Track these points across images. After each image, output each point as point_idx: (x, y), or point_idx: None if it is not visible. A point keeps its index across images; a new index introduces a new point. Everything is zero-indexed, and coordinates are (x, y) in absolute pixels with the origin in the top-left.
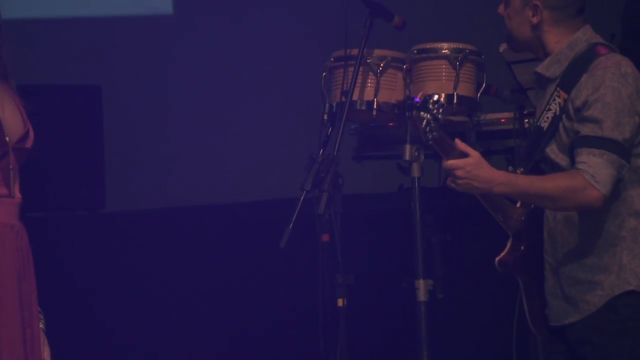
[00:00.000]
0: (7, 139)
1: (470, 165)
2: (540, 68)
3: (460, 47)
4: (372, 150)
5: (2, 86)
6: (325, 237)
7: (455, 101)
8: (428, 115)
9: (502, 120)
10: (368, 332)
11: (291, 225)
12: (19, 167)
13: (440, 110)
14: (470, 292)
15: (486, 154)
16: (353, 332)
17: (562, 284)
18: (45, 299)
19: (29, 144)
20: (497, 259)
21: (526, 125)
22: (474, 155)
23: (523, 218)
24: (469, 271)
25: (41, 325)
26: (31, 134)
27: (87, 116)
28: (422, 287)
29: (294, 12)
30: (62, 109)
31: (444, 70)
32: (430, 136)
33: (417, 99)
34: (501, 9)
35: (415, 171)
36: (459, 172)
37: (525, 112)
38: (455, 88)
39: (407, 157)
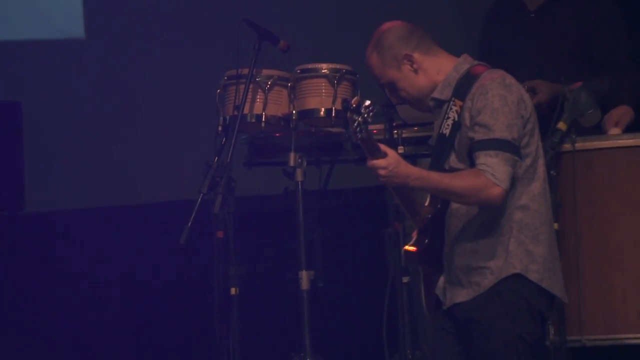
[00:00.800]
0: None
1: (391, 164)
2: (436, 93)
3: (338, 67)
4: (261, 158)
5: None
6: (220, 234)
7: (333, 115)
8: (359, 118)
9: (375, 131)
10: (258, 318)
11: (189, 223)
12: None
13: (371, 115)
14: (346, 281)
15: (362, 161)
16: (244, 318)
17: (458, 272)
18: None
19: None
20: (403, 249)
21: (395, 136)
22: (393, 155)
23: (429, 216)
24: (345, 263)
25: None
26: None
27: (9, 128)
28: (304, 277)
29: (191, 36)
30: None
31: (323, 87)
32: (360, 136)
33: (352, 103)
34: (389, 94)
35: (299, 176)
36: (381, 171)
37: (394, 124)
38: (333, 103)
39: (291, 163)
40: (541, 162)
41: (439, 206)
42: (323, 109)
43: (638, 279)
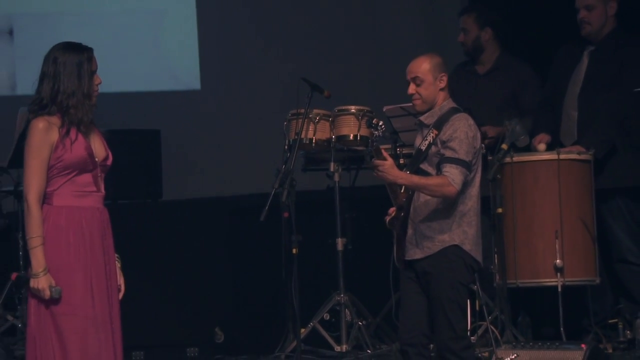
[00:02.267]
0: (96, 159)
1: (387, 166)
2: (423, 118)
3: (361, 108)
4: (312, 165)
5: (92, 127)
6: (286, 214)
7: (358, 139)
8: (376, 132)
9: (383, 149)
10: (309, 268)
11: (267, 207)
12: (104, 176)
13: (382, 130)
14: (366, 245)
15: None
16: (301, 268)
17: (417, 237)
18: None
19: (109, 162)
20: (386, 219)
21: (397, 152)
22: (390, 161)
23: (404, 199)
24: (365, 233)
25: (118, 264)
26: (110, 156)
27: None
28: (339, 242)
29: (268, 84)
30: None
31: (352, 121)
32: (374, 144)
33: (374, 122)
34: (412, 88)
35: (336, 177)
36: (380, 168)
37: (397, 144)
38: (358, 131)
39: (331, 169)
40: (477, 175)
41: (410, 193)
42: (352, 135)
43: (551, 245)
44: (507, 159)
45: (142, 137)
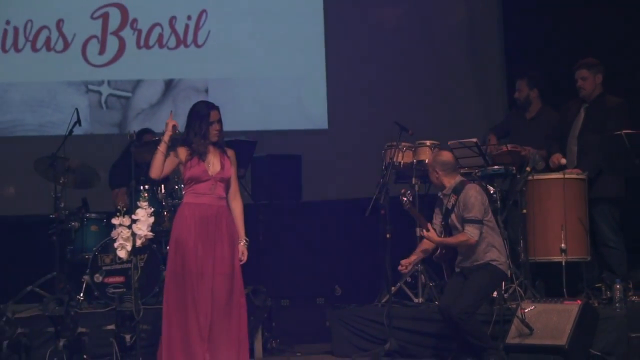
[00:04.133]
0: (209, 172)
1: (430, 234)
2: (445, 191)
3: (433, 142)
4: (400, 180)
5: (212, 147)
6: (383, 212)
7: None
8: (404, 198)
9: (429, 225)
10: (398, 247)
11: (370, 206)
12: (224, 185)
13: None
14: None
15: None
16: (394, 251)
17: (467, 258)
18: None
19: (226, 175)
20: (435, 258)
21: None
22: (432, 231)
23: (444, 251)
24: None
25: (242, 242)
26: (226, 169)
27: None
28: (418, 231)
29: (372, 122)
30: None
31: (427, 151)
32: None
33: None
34: (431, 173)
35: (416, 188)
36: (426, 235)
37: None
38: (435, 158)
39: (413, 182)
40: (491, 216)
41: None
42: (427, 159)
43: (558, 234)
44: (530, 177)
45: (289, 159)
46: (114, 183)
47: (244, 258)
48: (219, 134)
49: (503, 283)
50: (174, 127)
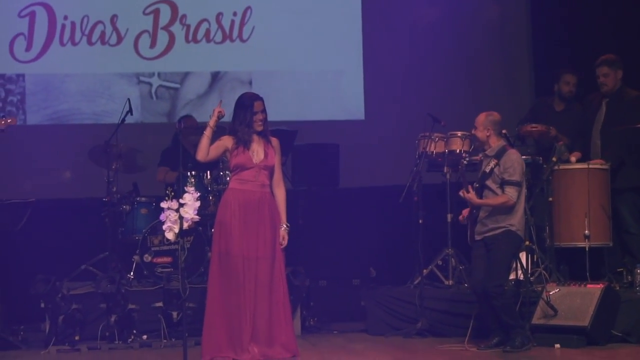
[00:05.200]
0: (254, 160)
1: (471, 196)
2: (488, 152)
3: (465, 133)
4: (432, 168)
5: (256, 136)
6: (415, 198)
7: (463, 153)
8: (464, 161)
9: (470, 186)
10: (428, 229)
11: (404, 193)
12: (267, 173)
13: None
14: None
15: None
16: (426, 236)
17: (486, 225)
18: None
19: (269, 163)
20: (460, 218)
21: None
22: (472, 192)
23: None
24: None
25: (284, 227)
26: (270, 158)
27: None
28: (449, 217)
29: (411, 111)
30: None
31: (458, 140)
32: (464, 172)
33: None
34: (475, 131)
35: (448, 176)
36: (467, 197)
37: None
38: (462, 147)
39: (445, 171)
40: (524, 183)
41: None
42: (458, 150)
43: (582, 221)
44: (556, 167)
45: (327, 148)
46: (162, 162)
47: (285, 242)
48: (263, 124)
49: (530, 266)
50: (220, 113)
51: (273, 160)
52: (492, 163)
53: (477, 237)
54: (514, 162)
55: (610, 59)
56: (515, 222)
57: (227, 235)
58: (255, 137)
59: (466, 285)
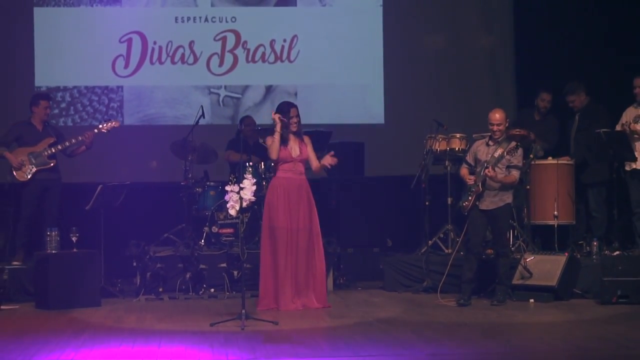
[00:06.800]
0: (292, 155)
1: (492, 173)
2: (492, 143)
3: (462, 134)
4: (437, 162)
5: (292, 135)
6: (423, 185)
7: (460, 150)
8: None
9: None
10: (434, 213)
11: (414, 181)
12: (303, 164)
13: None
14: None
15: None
16: (432, 214)
17: (491, 199)
18: None
19: (304, 156)
20: (473, 190)
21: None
22: (493, 171)
23: (481, 181)
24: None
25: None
26: (304, 152)
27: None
28: (449, 200)
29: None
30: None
31: (457, 141)
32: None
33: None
34: (501, 126)
35: (449, 168)
36: (489, 174)
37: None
38: (460, 146)
39: (446, 164)
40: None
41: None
42: (457, 148)
43: (552, 204)
44: (533, 162)
45: (355, 145)
46: (227, 148)
47: (333, 161)
48: (297, 126)
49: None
50: (280, 119)
51: (306, 154)
52: (499, 151)
53: (482, 208)
54: (519, 149)
55: (573, 87)
56: (512, 199)
57: (274, 212)
58: (291, 136)
59: (461, 253)
